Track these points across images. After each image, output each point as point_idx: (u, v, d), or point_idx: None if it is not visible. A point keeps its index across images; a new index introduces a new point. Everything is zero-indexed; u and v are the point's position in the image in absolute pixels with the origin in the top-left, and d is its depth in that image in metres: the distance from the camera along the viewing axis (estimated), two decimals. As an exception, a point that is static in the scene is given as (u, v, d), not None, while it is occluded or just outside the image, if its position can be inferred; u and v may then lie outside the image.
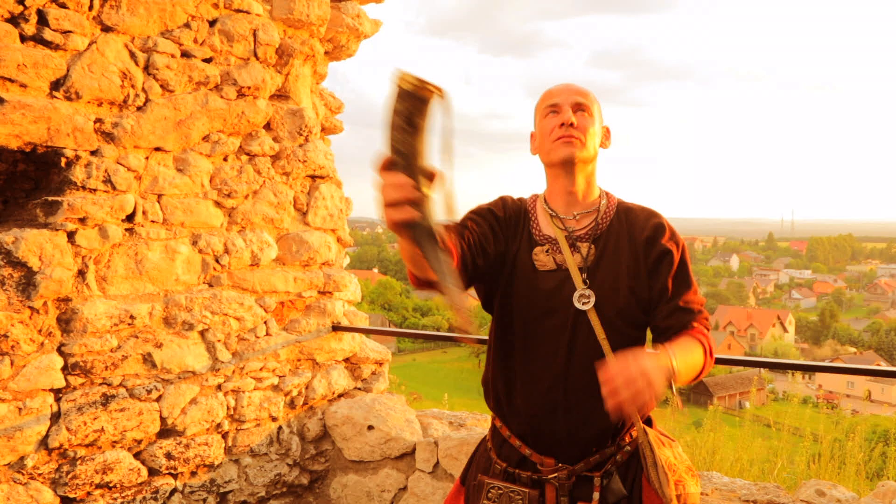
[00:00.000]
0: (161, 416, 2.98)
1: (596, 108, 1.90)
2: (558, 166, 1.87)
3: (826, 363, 3.03)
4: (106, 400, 2.83)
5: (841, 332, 69.41)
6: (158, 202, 2.98)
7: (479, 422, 3.51)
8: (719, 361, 2.74)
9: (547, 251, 1.87)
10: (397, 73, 1.33)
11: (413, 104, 1.34)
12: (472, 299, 1.84)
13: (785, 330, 72.06)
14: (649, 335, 1.95)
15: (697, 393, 45.09)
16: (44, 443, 2.71)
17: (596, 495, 1.80)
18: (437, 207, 1.37)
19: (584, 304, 1.81)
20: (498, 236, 1.89)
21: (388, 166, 1.35)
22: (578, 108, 1.86)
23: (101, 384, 2.84)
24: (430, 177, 1.36)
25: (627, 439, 1.85)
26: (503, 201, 1.98)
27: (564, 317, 1.82)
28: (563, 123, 1.83)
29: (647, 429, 1.82)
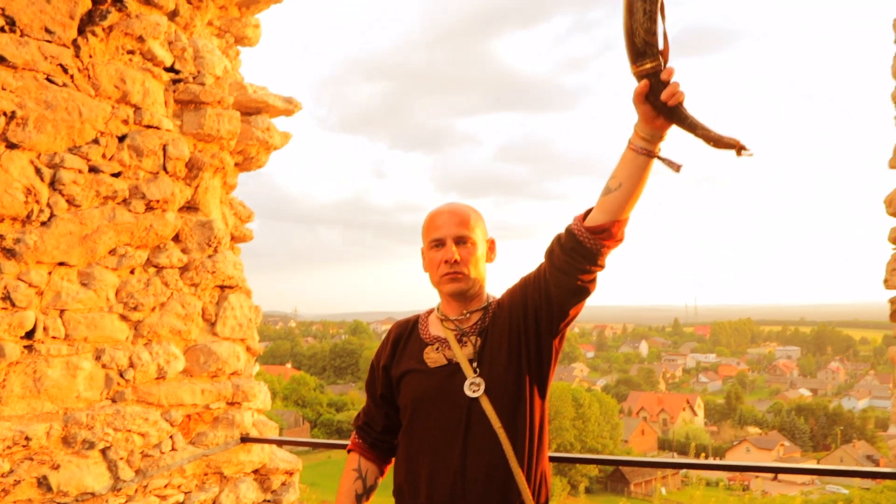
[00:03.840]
0: (57, 543, 2.84)
1: (478, 232, 2.07)
2: (447, 296, 2.03)
3: (773, 464, 3.17)
4: (-4, 529, 2.69)
5: (746, 414, 71.58)
6: (61, 317, 2.92)
7: (392, 530, 3.47)
8: (650, 465, 2.83)
9: (437, 349, 2.01)
10: None
11: None
12: None
13: (695, 413, 73.76)
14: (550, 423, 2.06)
15: (614, 481, 45.31)
16: (-76, 580, 2.53)
17: None
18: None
19: (474, 391, 1.92)
20: (393, 382, 2.13)
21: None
22: (461, 240, 2.01)
23: (-10, 512, 2.69)
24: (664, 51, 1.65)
25: None
26: (388, 335, 2.20)
27: (458, 409, 1.92)
28: (448, 261, 1.98)
29: None
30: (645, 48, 1.63)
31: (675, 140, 1.75)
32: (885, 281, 2.63)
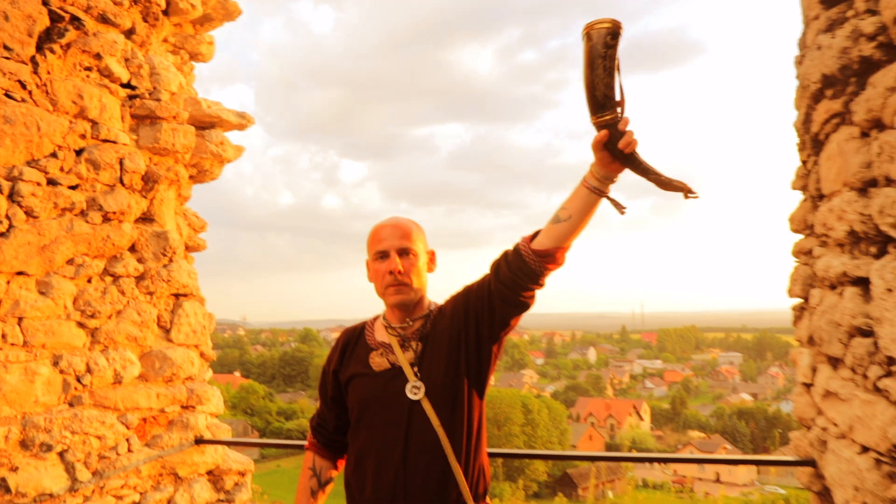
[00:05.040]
0: (14, 542, 2.92)
1: (420, 244, 2.24)
2: (391, 306, 2.21)
3: (707, 456, 3.39)
4: (-44, 529, 2.77)
5: (690, 419, 73.10)
6: (19, 325, 3.01)
7: (341, 527, 3.63)
8: (593, 458, 3.05)
9: (381, 353, 2.19)
10: (596, 23, 1.78)
11: (614, 41, 1.78)
12: None
13: (641, 419, 75.00)
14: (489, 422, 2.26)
15: (562, 485, 45.84)
16: None
17: None
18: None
19: (415, 394, 2.10)
20: (342, 385, 2.28)
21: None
22: (404, 252, 2.18)
23: (-50, 513, 2.77)
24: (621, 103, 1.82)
25: None
26: (338, 341, 2.36)
27: (400, 410, 2.10)
28: (392, 272, 2.15)
29: None
30: (605, 101, 1.82)
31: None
32: (789, 290, 2.90)
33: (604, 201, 1.97)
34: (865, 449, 2.13)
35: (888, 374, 2.00)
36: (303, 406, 61.75)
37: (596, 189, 1.93)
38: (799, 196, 2.86)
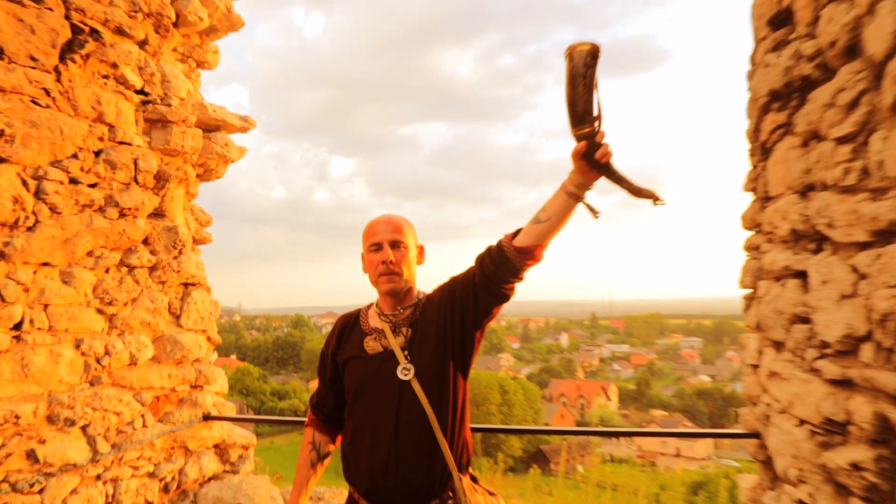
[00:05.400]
0: (41, 509, 3.01)
1: (410, 238, 2.32)
2: (383, 294, 2.30)
3: (654, 430, 3.50)
4: (-12, 496, 2.85)
5: (654, 399, 73.78)
6: (45, 311, 3.09)
7: (336, 495, 3.74)
8: (562, 433, 3.17)
9: (374, 338, 2.28)
10: (577, 45, 1.84)
11: (593, 62, 1.84)
12: None
13: (609, 399, 75.55)
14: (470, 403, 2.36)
15: (536, 459, 46.21)
16: (-76, 542, 2.68)
17: None
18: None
19: (405, 375, 2.18)
20: (339, 367, 2.36)
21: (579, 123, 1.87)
22: (396, 244, 2.27)
23: (-17, 481, 2.85)
24: (598, 118, 1.89)
25: (451, 494, 2.20)
26: (335, 326, 2.44)
27: (392, 389, 2.18)
28: (384, 262, 2.25)
29: (462, 476, 2.18)
30: (584, 115, 1.89)
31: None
32: (740, 281, 3.03)
33: (580, 205, 2.06)
34: (802, 422, 2.27)
35: (822, 357, 2.14)
36: (295, 387, 61.61)
37: (573, 195, 2.02)
38: (750, 197, 2.99)
